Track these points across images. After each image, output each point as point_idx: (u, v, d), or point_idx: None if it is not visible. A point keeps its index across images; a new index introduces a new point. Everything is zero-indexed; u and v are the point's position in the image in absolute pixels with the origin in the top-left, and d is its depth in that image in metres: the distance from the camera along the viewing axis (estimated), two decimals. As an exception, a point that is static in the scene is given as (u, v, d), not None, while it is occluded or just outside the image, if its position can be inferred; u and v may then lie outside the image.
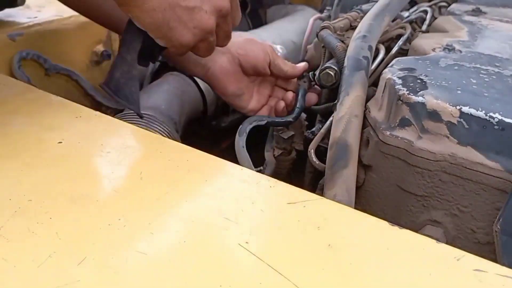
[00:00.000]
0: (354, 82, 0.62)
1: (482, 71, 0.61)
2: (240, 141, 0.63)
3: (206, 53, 0.62)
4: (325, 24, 0.80)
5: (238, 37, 0.72)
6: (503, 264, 0.47)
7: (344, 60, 0.67)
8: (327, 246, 0.37)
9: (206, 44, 0.59)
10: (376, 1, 0.82)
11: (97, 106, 0.91)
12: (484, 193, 0.52)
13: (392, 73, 0.60)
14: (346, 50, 0.69)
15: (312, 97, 0.76)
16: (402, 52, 0.79)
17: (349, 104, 0.60)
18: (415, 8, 1.02)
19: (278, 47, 1.11)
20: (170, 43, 0.56)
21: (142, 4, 0.50)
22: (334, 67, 0.71)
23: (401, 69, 0.61)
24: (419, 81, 0.58)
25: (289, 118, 0.73)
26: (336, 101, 0.63)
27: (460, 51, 0.69)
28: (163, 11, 0.51)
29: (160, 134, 0.77)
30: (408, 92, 0.55)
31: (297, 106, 0.74)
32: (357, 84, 0.62)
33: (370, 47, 0.68)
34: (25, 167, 0.46)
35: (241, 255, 0.36)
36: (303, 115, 0.77)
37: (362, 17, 0.80)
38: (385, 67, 0.65)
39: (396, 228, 0.40)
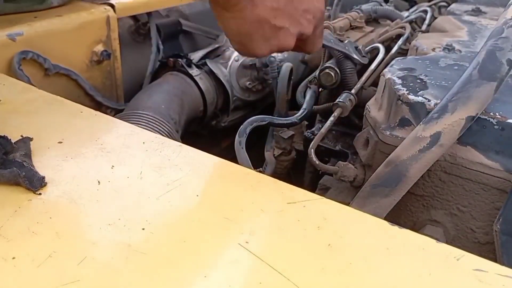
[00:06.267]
0: (473, 96, 0.48)
1: (482, 71, 0.61)
2: (240, 142, 0.62)
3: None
4: (325, 24, 0.80)
5: None
6: (502, 264, 0.47)
7: (347, 59, 0.66)
8: (327, 246, 0.37)
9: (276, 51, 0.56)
10: (376, 1, 0.82)
11: (97, 106, 0.91)
12: (484, 193, 0.52)
13: (392, 73, 0.60)
14: (345, 46, 0.68)
15: None
16: (402, 52, 0.79)
17: (446, 124, 0.48)
18: (415, 8, 1.02)
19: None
20: (244, 50, 0.54)
21: (234, 11, 0.49)
22: (334, 67, 0.71)
23: (401, 69, 0.61)
24: (419, 81, 0.58)
25: (294, 119, 0.72)
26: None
27: (460, 51, 0.69)
28: (251, 23, 0.50)
29: (160, 133, 0.77)
30: (408, 92, 0.55)
31: (304, 107, 0.73)
32: (476, 100, 0.47)
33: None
34: (25, 167, 0.46)
35: (241, 255, 0.36)
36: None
37: (362, 17, 0.80)
38: (385, 67, 0.65)
39: (395, 227, 0.40)
